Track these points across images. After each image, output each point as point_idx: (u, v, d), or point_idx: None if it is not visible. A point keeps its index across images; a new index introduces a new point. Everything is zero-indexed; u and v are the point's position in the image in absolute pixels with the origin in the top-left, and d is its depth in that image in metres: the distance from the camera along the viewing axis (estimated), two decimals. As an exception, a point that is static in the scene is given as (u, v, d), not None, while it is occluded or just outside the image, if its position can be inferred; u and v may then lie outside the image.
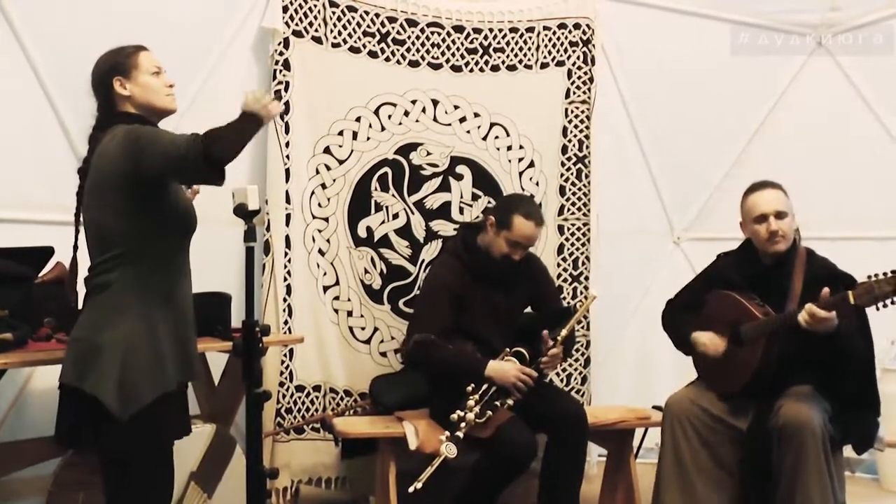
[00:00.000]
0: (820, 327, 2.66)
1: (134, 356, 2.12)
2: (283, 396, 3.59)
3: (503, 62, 4.00)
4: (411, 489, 2.77)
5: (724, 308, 3.03)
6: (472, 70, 3.96)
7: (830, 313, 2.64)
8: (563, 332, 3.17)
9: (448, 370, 3.15)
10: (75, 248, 2.33)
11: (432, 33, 3.89)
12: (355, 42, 3.76)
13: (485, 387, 3.05)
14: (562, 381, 4.05)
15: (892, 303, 2.57)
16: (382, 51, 3.81)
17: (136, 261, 2.16)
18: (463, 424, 2.92)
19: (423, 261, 3.84)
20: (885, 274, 2.57)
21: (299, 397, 3.64)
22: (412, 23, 3.86)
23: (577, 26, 4.08)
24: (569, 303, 4.00)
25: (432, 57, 3.90)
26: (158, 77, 2.29)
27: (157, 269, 2.19)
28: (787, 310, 2.82)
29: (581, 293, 4.06)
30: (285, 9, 3.59)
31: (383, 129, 3.81)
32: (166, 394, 2.18)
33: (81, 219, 2.28)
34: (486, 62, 3.98)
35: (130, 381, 2.11)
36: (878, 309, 2.61)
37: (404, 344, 3.55)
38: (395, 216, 3.83)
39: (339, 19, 3.72)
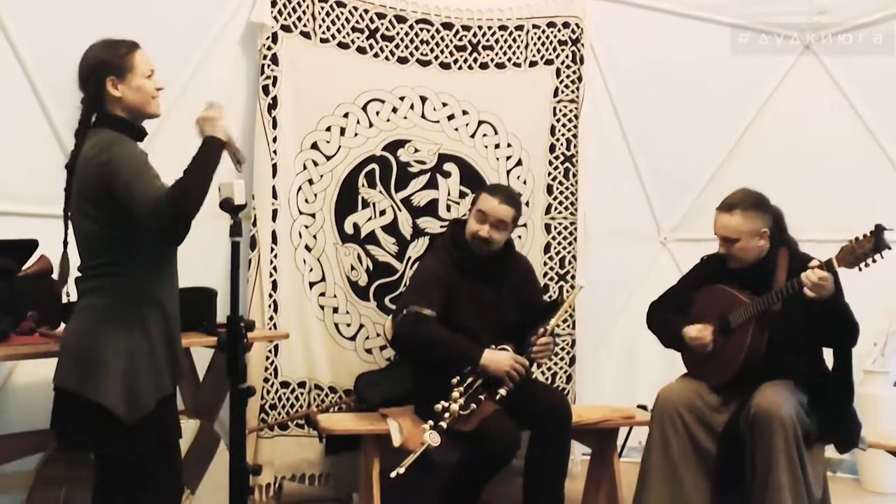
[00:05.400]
0: (821, 291, 2.68)
1: (135, 363, 2.17)
2: (268, 392, 3.58)
3: (492, 60, 4.00)
4: (393, 474, 2.78)
5: (711, 301, 3.07)
6: (460, 67, 3.95)
7: (828, 274, 2.68)
8: (552, 322, 3.19)
9: (440, 351, 3.13)
10: (65, 243, 2.32)
11: (421, 30, 3.89)
12: (344, 38, 3.75)
13: (470, 379, 3.06)
14: (547, 379, 4.05)
15: (874, 261, 2.62)
16: (371, 47, 3.80)
17: (124, 268, 2.18)
18: (447, 415, 2.93)
19: (409, 258, 3.84)
20: (864, 235, 2.62)
21: (284, 393, 3.63)
22: (401, 19, 3.85)
23: (566, 25, 4.09)
24: (554, 299, 4.00)
25: (421, 54, 3.89)
26: (150, 79, 2.28)
27: (145, 275, 2.22)
28: (775, 289, 2.85)
29: (567, 292, 4.06)
30: (274, 3, 3.57)
31: (371, 125, 3.80)
32: (166, 396, 2.26)
33: (70, 217, 2.27)
34: (475, 60, 3.97)
35: (135, 387, 2.16)
36: (860, 269, 2.66)
37: (393, 318, 3.47)
38: (382, 213, 3.82)
39: (327, 14, 3.71)
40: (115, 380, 2.14)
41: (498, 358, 3.11)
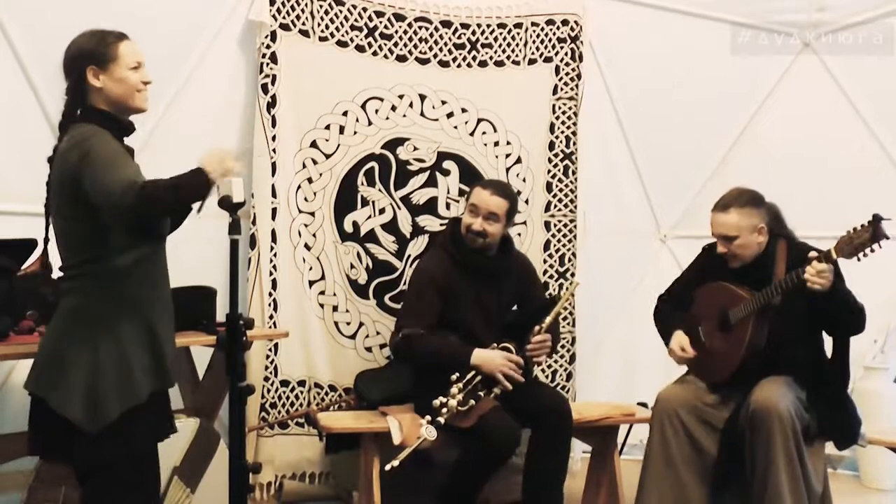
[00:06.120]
0: (822, 283, 2.67)
1: (100, 372, 2.09)
2: (268, 391, 3.58)
3: (491, 58, 3.99)
4: (387, 467, 2.78)
5: (711, 298, 3.06)
6: (459, 65, 3.95)
7: (828, 265, 2.67)
8: (548, 319, 3.19)
9: (435, 361, 3.15)
10: (46, 240, 2.26)
11: (420, 28, 3.88)
12: (343, 36, 3.74)
13: (469, 375, 3.06)
14: (547, 377, 4.05)
15: (872, 251, 2.61)
16: (370, 45, 3.80)
17: (101, 268, 2.11)
18: (445, 410, 2.93)
19: (409, 256, 3.84)
20: (862, 225, 2.62)
21: (284, 392, 3.63)
22: (400, 17, 3.85)
23: (564, 22, 4.08)
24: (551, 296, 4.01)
25: (420, 52, 3.89)
26: (137, 72, 2.18)
27: (125, 276, 2.13)
28: (774, 282, 2.85)
29: (565, 289, 4.05)
30: (272, 1, 3.57)
31: (370, 123, 3.79)
32: (137, 405, 2.14)
33: (51, 213, 2.20)
34: (474, 57, 3.97)
35: (97, 397, 2.08)
36: (858, 259, 2.65)
37: (393, 336, 3.53)
38: (382, 211, 3.82)
39: (326, 13, 3.70)
40: (77, 389, 2.07)
41: (490, 357, 3.10)
